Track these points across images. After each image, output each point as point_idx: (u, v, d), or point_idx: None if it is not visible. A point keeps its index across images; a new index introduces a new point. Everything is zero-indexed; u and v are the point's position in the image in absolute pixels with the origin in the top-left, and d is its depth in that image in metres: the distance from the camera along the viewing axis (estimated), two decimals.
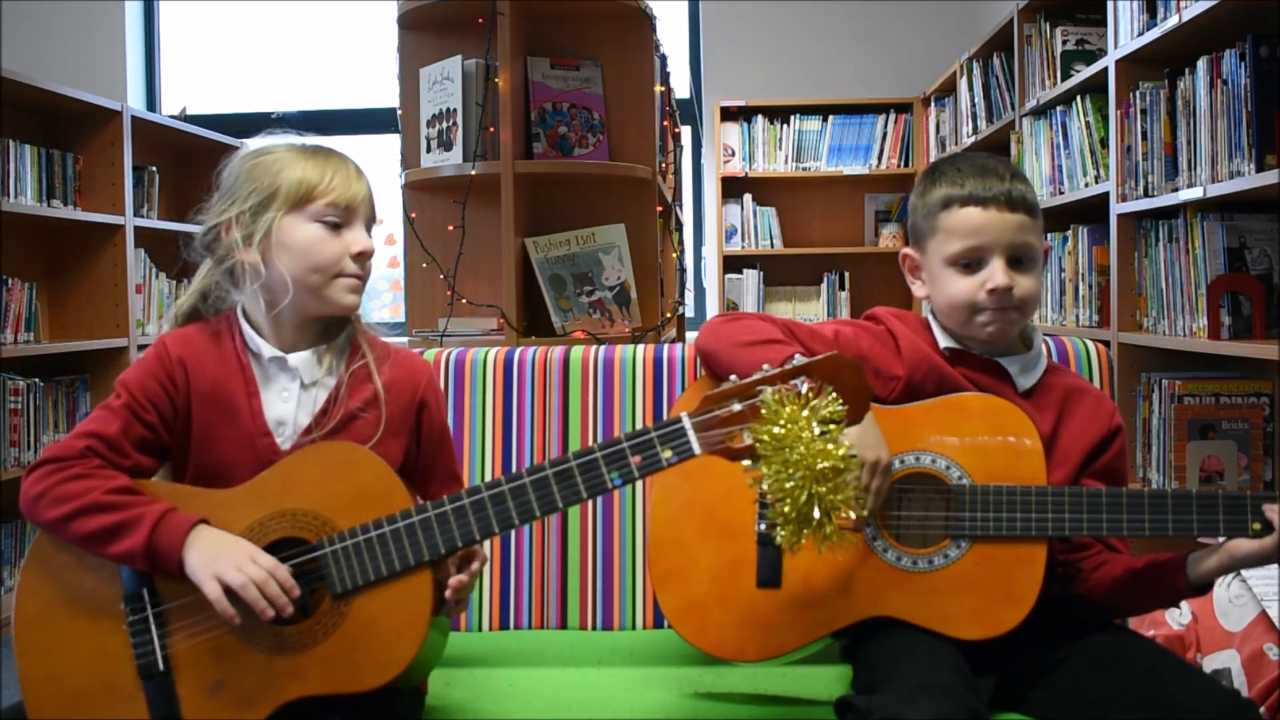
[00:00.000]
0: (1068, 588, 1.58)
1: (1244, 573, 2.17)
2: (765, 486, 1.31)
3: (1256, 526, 1.43)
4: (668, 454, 1.36)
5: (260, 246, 1.49)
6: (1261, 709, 1.94)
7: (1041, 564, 1.47)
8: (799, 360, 1.35)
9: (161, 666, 1.38)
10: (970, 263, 1.59)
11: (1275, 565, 2.13)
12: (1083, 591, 1.57)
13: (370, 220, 1.56)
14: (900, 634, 1.46)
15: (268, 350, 1.52)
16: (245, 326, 1.54)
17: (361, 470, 1.42)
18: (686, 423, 1.36)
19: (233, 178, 1.53)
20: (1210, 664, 2.12)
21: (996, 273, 1.57)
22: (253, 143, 1.60)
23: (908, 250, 1.70)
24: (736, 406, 1.34)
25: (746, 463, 1.34)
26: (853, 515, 1.34)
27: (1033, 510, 1.48)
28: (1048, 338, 1.88)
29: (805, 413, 1.30)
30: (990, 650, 1.48)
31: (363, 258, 1.52)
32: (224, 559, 1.35)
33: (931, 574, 1.49)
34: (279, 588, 1.35)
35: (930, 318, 1.69)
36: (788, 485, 1.30)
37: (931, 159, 5.64)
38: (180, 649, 1.39)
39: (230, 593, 1.34)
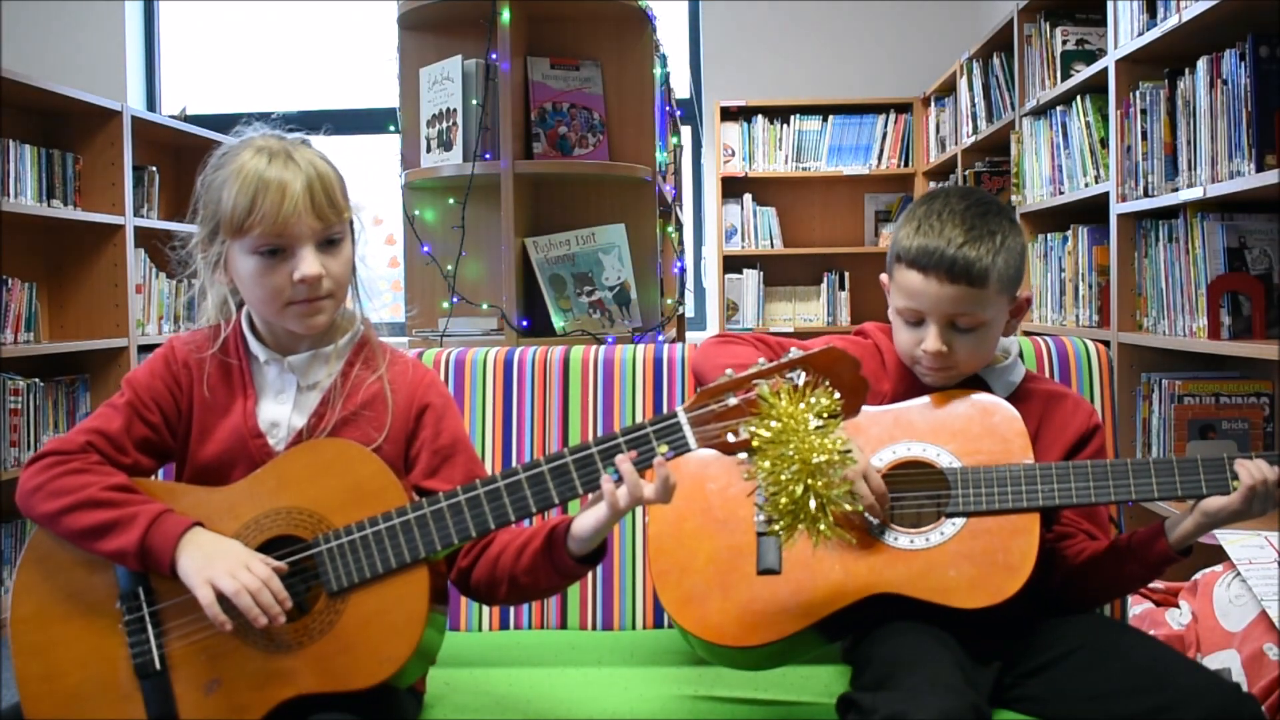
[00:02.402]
0: (1058, 575, 1.59)
1: (1244, 572, 2.18)
2: (761, 480, 1.31)
3: (1236, 484, 1.47)
4: (663, 449, 1.35)
5: (227, 270, 1.49)
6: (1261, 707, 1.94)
7: (1035, 533, 1.49)
8: (795, 353, 1.35)
9: (158, 666, 1.38)
10: (912, 320, 1.62)
11: (1275, 565, 2.14)
12: (1071, 575, 1.59)
13: (322, 231, 1.45)
14: (902, 629, 1.47)
15: (263, 353, 1.52)
16: (245, 329, 1.54)
17: (356, 467, 1.42)
18: (682, 417, 1.35)
19: (199, 192, 1.50)
20: (1210, 664, 2.12)
21: (930, 338, 1.59)
22: (228, 141, 1.52)
23: (884, 277, 1.72)
24: (732, 400, 1.34)
25: (742, 456, 1.34)
26: (847, 508, 1.34)
27: (1022, 484, 1.51)
28: (1047, 338, 1.90)
29: (801, 406, 1.30)
30: (991, 638, 1.50)
31: (306, 283, 1.44)
32: (218, 564, 1.35)
33: (929, 550, 1.51)
34: (272, 596, 1.34)
35: None
36: (783, 479, 1.30)
37: (931, 159, 5.64)
38: (176, 648, 1.39)
39: (223, 598, 1.33)
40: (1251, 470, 1.45)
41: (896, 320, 1.65)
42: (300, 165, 1.44)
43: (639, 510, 1.93)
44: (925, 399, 1.62)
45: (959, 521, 1.52)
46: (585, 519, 1.40)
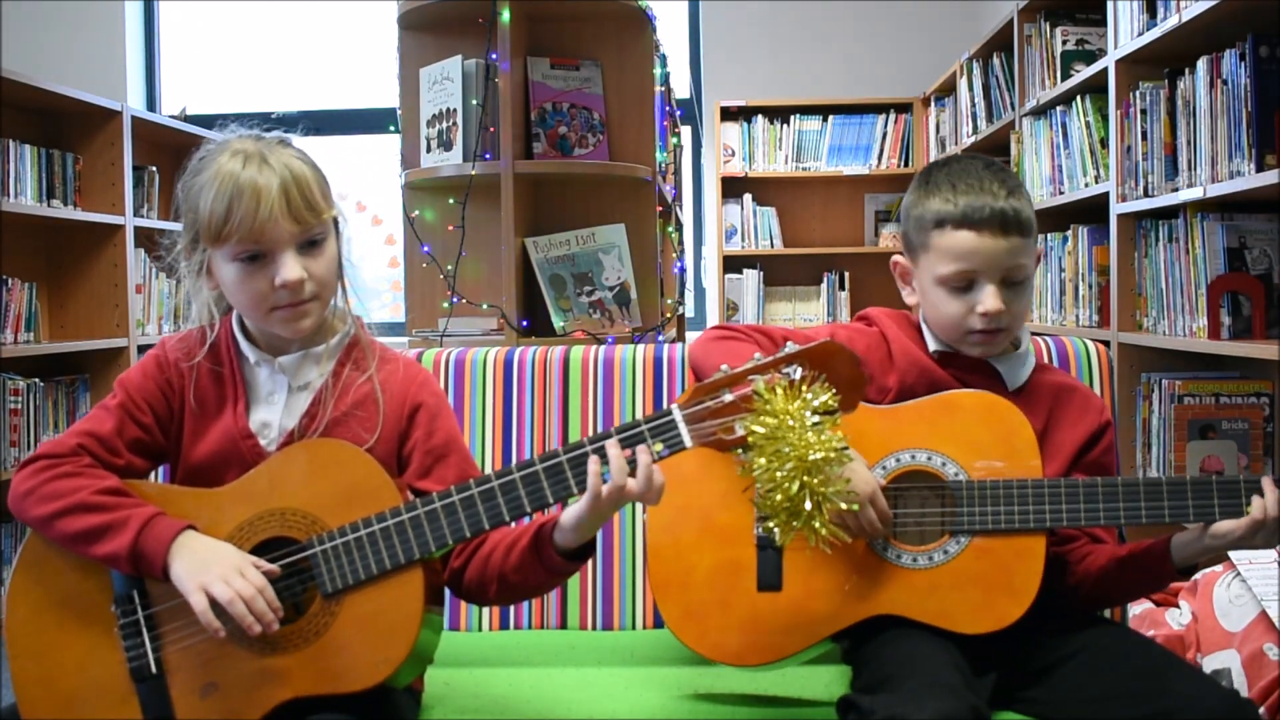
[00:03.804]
0: (1059, 581, 1.59)
1: (1244, 572, 2.17)
2: (757, 477, 1.30)
3: (1249, 509, 1.45)
4: (659, 447, 1.34)
5: (212, 276, 1.49)
6: (1261, 709, 1.94)
7: (1041, 556, 1.48)
8: (792, 347, 1.34)
9: (154, 669, 1.38)
10: (962, 285, 1.58)
11: (1275, 565, 2.14)
12: (1073, 583, 1.58)
13: (301, 234, 1.43)
14: (902, 633, 1.46)
15: (253, 354, 1.52)
16: (236, 329, 1.54)
17: (350, 468, 1.41)
18: (677, 415, 1.34)
19: (179, 198, 1.49)
20: (1210, 664, 2.12)
21: (988, 298, 1.56)
22: (206, 144, 1.50)
23: (899, 258, 1.68)
24: (728, 397, 1.33)
25: (739, 452, 1.33)
26: (844, 507, 1.33)
27: (1030, 503, 1.49)
28: (1047, 338, 1.89)
29: (797, 403, 1.28)
30: (990, 648, 1.49)
31: (288, 288, 1.43)
32: (211, 570, 1.34)
33: (931, 570, 1.49)
34: (266, 603, 1.33)
35: (921, 321, 1.69)
36: (779, 476, 1.29)
37: (931, 159, 5.63)
38: (172, 651, 1.38)
39: (217, 603, 1.33)
40: (1268, 504, 1.43)
41: (939, 292, 1.59)
42: (275, 168, 1.42)
43: (639, 508, 1.92)
44: (930, 399, 1.58)
45: (963, 539, 1.50)
46: (570, 510, 1.40)
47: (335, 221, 1.50)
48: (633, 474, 1.34)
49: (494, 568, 1.46)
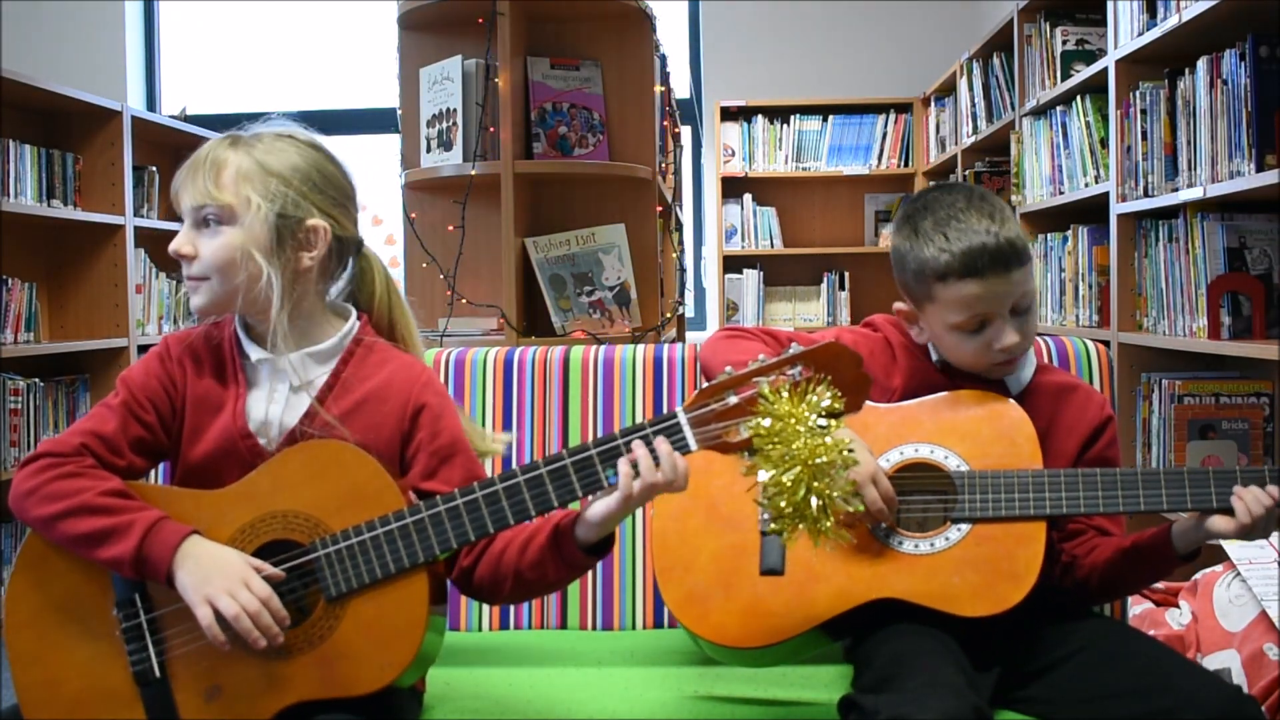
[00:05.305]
0: (1068, 576, 1.60)
1: (1244, 572, 2.18)
2: (762, 480, 1.30)
3: (1235, 514, 1.46)
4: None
5: None
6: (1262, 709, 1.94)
7: (1041, 542, 1.49)
8: (796, 349, 1.34)
9: (157, 673, 1.37)
10: (975, 327, 1.58)
11: (1275, 565, 2.14)
12: (1081, 576, 1.59)
13: (196, 210, 1.44)
14: (904, 630, 1.47)
15: (254, 352, 1.51)
16: (239, 327, 1.53)
17: (352, 470, 1.40)
18: (682, 418, 1.34)
19: None
20: (1210, 664, 2.12)
21: (1004, 334, 1.56)
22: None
23: (902, 306, 1.67)
24: (732, 400, 1.32)
25: (744, 455, 1.33)
26: (849, 509, 1.33)
27: (1030, 491, 1.51)
28: (1047, 338, 1.89)
29: (802, 405, 1.28)
30: (992, 645, 1.50)
31: (173, 256, 1.46)
32: (216, 581, 1.32)
33: (933, 556, 1.51)
34: (271, 617, 1.32)
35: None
36: (785, 479, 1.28)
37: (931, 159, 5.64)
38: (176, 655, 1.38)
39: (220, 615, 1.32)
40: (1249, 504, 1.44)
41: (953, 336, 1.59)
42: (225, 146, 1.46)
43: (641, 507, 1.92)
44: (934, 398, 1.61)
45: (965, 527, 1.51)
46: (596, 505, 1.38)
47: (274, 214, 1.44)
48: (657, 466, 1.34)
49: (508, 565, 1.45)
